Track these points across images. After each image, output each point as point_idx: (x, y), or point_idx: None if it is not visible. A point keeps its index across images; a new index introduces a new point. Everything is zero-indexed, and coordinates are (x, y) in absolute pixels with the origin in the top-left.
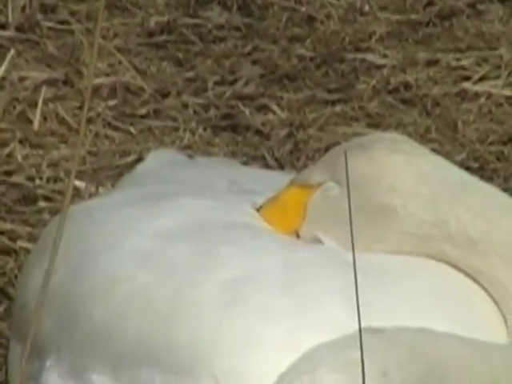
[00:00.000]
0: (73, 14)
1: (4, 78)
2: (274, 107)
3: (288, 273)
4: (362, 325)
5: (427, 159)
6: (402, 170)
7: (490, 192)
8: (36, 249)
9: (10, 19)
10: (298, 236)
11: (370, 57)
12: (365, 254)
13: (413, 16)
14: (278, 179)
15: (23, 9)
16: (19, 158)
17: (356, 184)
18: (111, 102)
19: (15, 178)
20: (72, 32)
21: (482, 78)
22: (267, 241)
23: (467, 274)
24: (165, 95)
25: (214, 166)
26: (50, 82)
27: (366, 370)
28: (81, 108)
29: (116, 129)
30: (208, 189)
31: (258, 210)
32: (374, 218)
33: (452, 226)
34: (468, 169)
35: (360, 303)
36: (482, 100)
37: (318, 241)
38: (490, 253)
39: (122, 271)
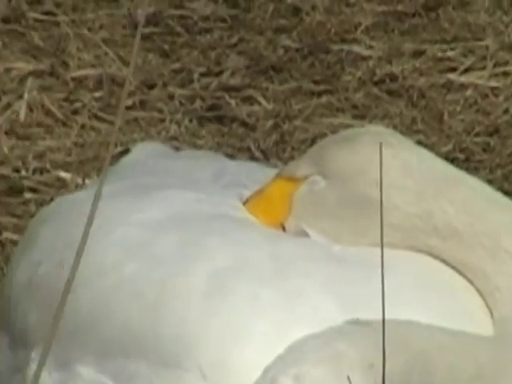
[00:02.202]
0: (58, 5)
1: None
2: (260, 98)
3: (275, 265)
4: (348, 317)
5: (412, 152)
6: (388, 163)
7: (474, 185)
8: (22, 241)
9: None
10: (283, 229)
11: (355, 48)
12: (351, 248)
13: (399, 7)
14: (264, 172)
15: (9, 0)
16: (5, 149)
17: (341, 177)
18: (97, 94)
19: (1, 170)
20: (58, 23)
21: (468, 69)
22: (253, 233)
23: (453, 267)
24: (151, 86)
25: (200, 159)
26: (36, 74)
27: (352, 363)
28: (67, 100)
29: (102, 120)
30: (194, 181)
31: (244, 203)
32: (360, 212)
33: (437, 219)
34: (454, 160)
35: (346, 296)
36: (468, 91)
37: (304, 234)
38: (475, 245)
39: (108, 262)
